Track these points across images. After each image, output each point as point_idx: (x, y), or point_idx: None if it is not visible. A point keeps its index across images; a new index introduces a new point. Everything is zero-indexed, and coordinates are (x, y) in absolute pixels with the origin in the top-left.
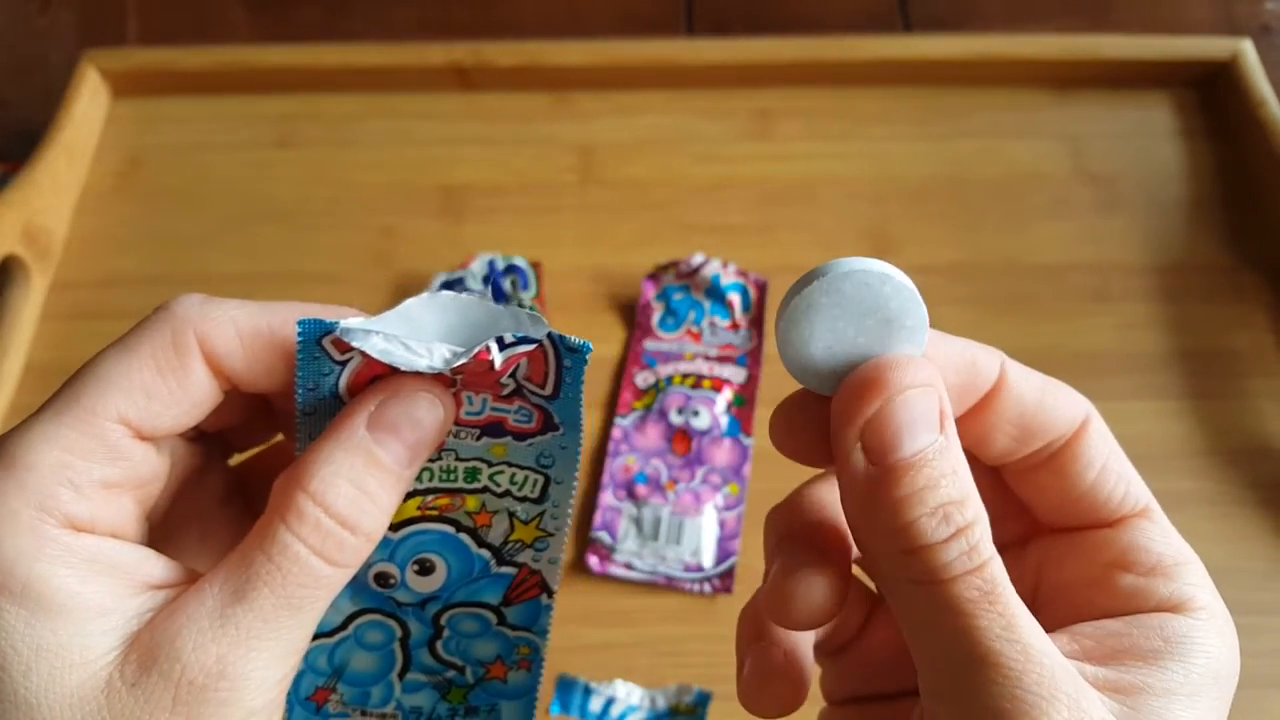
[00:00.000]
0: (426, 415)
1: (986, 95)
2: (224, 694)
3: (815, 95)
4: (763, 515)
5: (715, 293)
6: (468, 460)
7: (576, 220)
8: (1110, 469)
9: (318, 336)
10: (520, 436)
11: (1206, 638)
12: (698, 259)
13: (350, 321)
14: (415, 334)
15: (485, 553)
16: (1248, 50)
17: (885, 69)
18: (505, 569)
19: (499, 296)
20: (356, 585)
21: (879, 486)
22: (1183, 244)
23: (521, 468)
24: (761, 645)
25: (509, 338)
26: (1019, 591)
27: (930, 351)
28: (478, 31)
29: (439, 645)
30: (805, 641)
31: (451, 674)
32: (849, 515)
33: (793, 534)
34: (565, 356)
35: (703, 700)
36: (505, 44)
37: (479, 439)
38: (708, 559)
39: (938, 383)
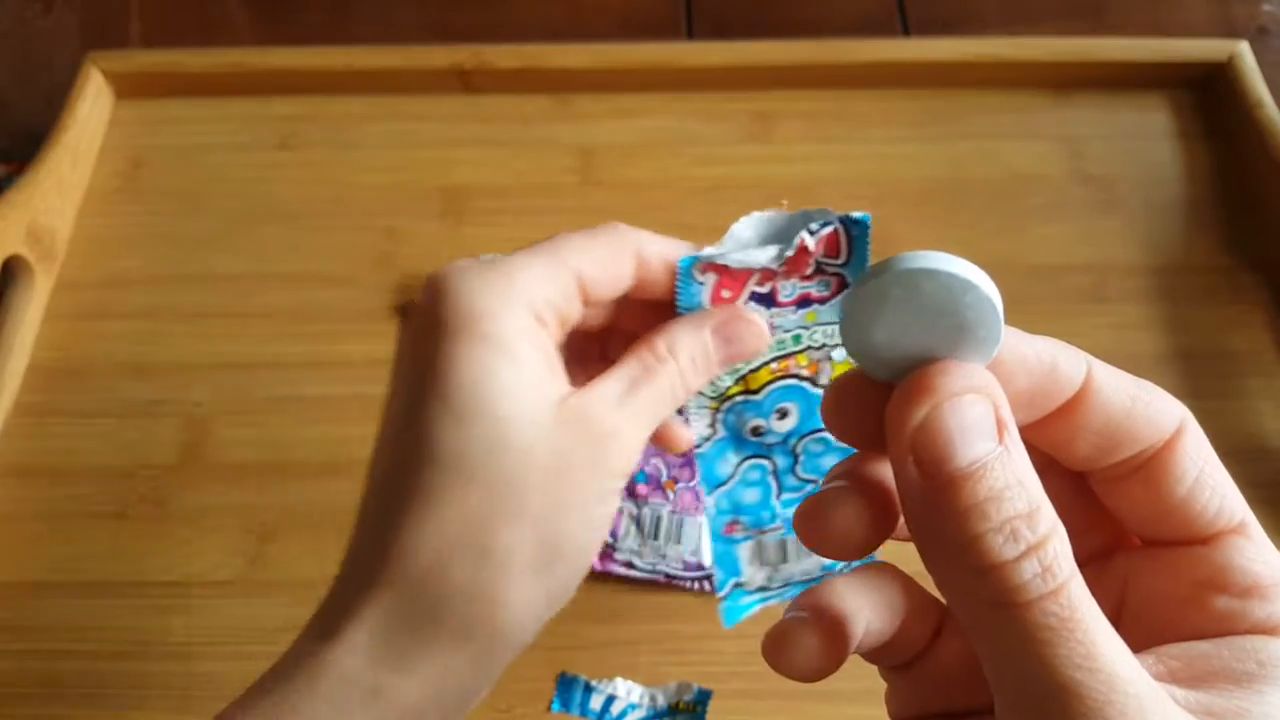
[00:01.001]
0: (749, 339)
1: (984, 97)
2: (614, 449)
3: (814, 97)
4: None
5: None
6: (792, 330)
7: (577, 222)
8: (1204, 483)
9: (690, 265)
10: (823, 302)
11: None
12: None
13: (707, 250)
14: (746, 246)
15: (819, 391)
16: (1245, 52)
17: (884, 71)
18: None
19: None
20: (739, 440)
21: (937, 500)
22: (1180, 245)
23: (829, 323)
24: (809, 596)
25: (814, 226)
26: (1103, 607)
27: (1003, 352)
28: (479, 34)
29: (798, 468)
30: (856, 617)
31: (810, 487)
32: (911, 531)
33: (845, 472)
34: (853, 229)
35: (703, 698)
36: (506, 47)
37: (795, 312)
38: (708, 557)
39: (994, 389)
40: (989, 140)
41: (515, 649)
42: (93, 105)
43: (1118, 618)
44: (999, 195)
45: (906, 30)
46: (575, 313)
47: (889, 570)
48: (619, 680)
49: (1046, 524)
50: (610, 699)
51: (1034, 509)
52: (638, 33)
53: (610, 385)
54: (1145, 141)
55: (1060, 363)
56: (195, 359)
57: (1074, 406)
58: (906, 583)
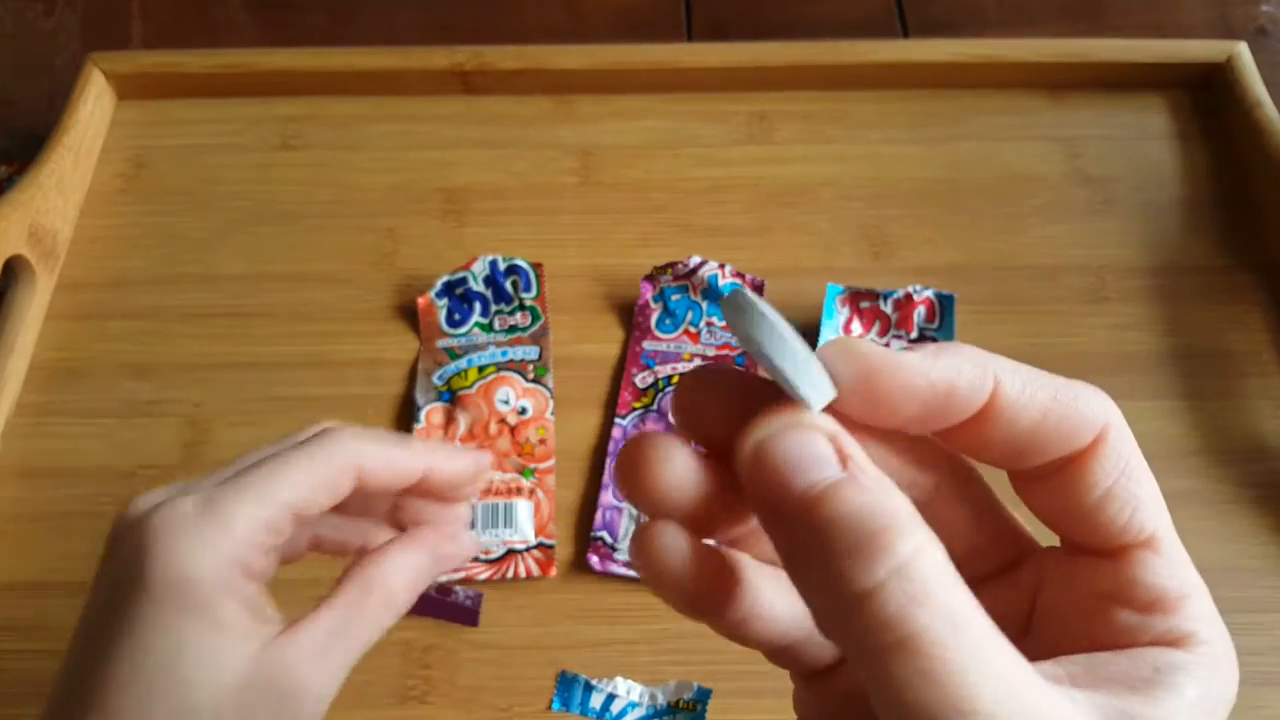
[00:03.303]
0: (459, 556)
1: (983, 98)
2: (305, 706)
3: (813, 99)
4: None
5: (712, 293)
6: None
7: (577, 222)
8: (1115, 494)
9: (834, 294)
10: None
11: (1200, 670)
12: (695, 260)
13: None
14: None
15: None
16: (1243, 53)
17: (882, 72)
18: None
19: (502, 297)
20: None
21: (787, 535)
22: (1178, 245)
23: None
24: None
25: (918, 287)
26: (1016, 612)
27: (891, 386)
28: (479, 36)
29: None
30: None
31: None
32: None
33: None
34: (943, 301)
35: (703, 697)
36: (506, 48)
37: None
38: None
39: (826, 424)
40: (987, 141)
41: None
42: (94, 106)
43: (1027, 624)
44: (997, 196)
45: (905, 31)
46: (285, 538)
47: None
48: (619, 679)
49: (912, 540)
50: (610, 698)
51: (889, 526)
52: (637, 34)
53: (316, 633)
54: (1143, 142)
55: (959, 387)
56: (196, 359)
57: (977, 421)
58: None
